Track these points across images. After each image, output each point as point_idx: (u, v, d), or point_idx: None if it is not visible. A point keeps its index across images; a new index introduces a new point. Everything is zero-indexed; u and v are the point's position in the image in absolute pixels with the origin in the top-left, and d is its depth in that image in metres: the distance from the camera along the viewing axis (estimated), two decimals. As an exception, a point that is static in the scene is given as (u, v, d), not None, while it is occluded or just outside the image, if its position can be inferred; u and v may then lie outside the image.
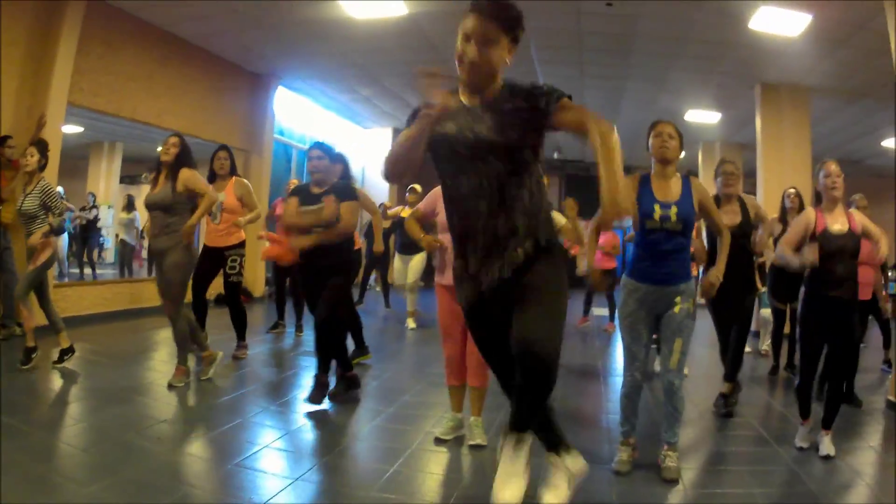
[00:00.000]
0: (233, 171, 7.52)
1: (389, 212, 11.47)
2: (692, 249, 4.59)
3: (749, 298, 6.13)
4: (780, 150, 11.78)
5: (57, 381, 6.15)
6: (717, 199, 5.82)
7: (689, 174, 4.62)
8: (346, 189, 5.91)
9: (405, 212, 10.57)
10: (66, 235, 12.03)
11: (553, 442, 3.29)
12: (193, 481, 4.01)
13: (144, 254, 12.96)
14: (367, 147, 18.17)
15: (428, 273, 9.03)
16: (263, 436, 4.89)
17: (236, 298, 7.39)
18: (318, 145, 5.98)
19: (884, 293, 7.98)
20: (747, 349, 9.00)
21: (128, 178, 14.90)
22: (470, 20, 2.83)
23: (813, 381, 5.09)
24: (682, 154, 4.55)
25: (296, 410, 5.58)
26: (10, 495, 3.42)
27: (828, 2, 7.89)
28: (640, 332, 4.39)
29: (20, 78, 8.20)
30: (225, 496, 3.79)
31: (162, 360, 7.13)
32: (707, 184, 4.97)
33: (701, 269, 5.72)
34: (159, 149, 6.16)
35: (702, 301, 5.18)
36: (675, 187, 4.41)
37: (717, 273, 4.65)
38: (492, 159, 2.83)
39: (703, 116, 14.34)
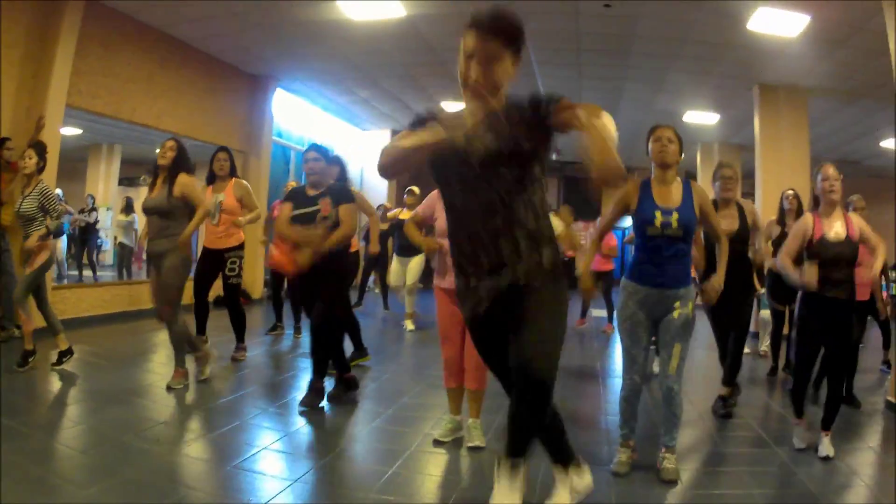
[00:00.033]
0: (232, 173, 7.53)
1: (389, 214, 11.48)
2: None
3: (747, 303, 6.13)
4: (778, 151, 11.78)
5: (56, 383, 6.15)
6: (715, 204, 5.82)
7: (688, 177, 4.61)
8: (342, 192, 5.89)
9: (403, 214, 10.59)
10: (64, 237, 12.03)
11: (560, 455, 3.30)
12: (192, 483, 4.01)
13: (144, 255, 12.95)
14: (365, 149, 18.16)
15: (426, 275, 9.03)
16: (262, 437, 4.89)
17: (235, 300, 7.39)
18: (315, 147, 5.97)
19: (883, 294, 7.99)
20: (746, 350, 9.03)
21: (126, 180, 14.91)
22: (470, 38, 2.70)
23: (808, 382, 5.10)
24: (682, 157, 4.54)
25: (294, 412, 5.57)
26: (9, 497, 3.42)
27: (826, 2, 7.90)
28: (640, 335, 4.38)
29: (19, 79, 8.19)
30: (224, 498, 3.79)
31: (161, 362, 7.13)
32: (705, 186, 4.97)
33: (698, 276, 5.69)
34: (157, 151, 6.16)
35: (698, 302, 5.18)
36: (676, 192, 4.39)
37: (719, 280, 4.63)
38: (502, 172, 2.76)
39: (701, 117, 14.35)
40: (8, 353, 6.70)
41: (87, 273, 13.02)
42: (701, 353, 8.68)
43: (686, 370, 4.47)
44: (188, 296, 7.36)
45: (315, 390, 5.73)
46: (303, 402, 5.64)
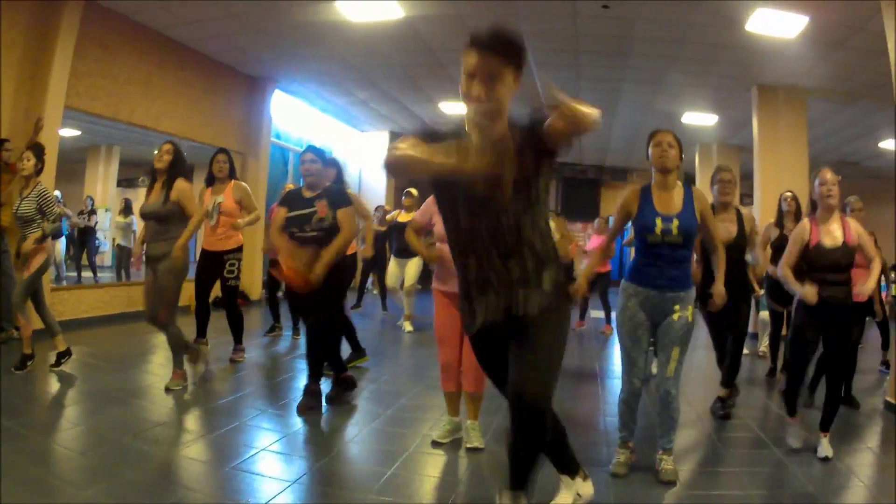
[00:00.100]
0: (231, 175, 7.53)
1: (387, 217, 11.49)
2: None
3: (745, 307, 6.12)
4: (777, 152, 11.78)
5: (54, 384, 6.15)
6: (713, 208, 5.81)
7: (688, 180, 4.61)
8: (339, 194, 5.86)
9: (402, 216, 10.59)
10: (63, 239, 12.02)
11: (564, 465, 3.33)
12: (191, 484, 4.00)
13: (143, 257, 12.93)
14: (363, 150, 18.16)
15: (425, 276, 9.03)
16: (261, 439, 4.89)
17: (233, 302, 7.41)
18: (312, 149, 5.96)
19: (883, 294, 7.98)
20: (745, 351, 9.03)
21: (125, 182, 14.90)
22: (471, 57, 2.64)
23: (802, 382, 5.10)
24: (683, 161, 4.53)
25: (293, 413, 5.56)
26: (8, 498, 3.42)
27: (825, 3, 7.90)
28: (640, 336, 4.37)
29: (17, 81, 8.18)
30: (223, 499, 3.79)
31: (159, 363, 7.12)
32: (704, 188, 4.97)
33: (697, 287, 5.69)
34: (154, 154, 6.17)
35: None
36: (677, 198, 4.38)
37: (719, 286, 4.61)
38: (506, 199, 2.74)
39: (699, 118, 14.35)
40: (7, 355, 6.70)
41: (86, 274, 13.01)
42: (700, 354, 8.69)
43: (685, 371, 4.48)
44: (186, 297, 7.39)
45: (311, 393, 5.72)
46: (300, 408, 5.63)
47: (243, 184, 7.61)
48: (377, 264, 12.02)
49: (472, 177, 2.57)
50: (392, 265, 10.68)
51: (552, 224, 4.57)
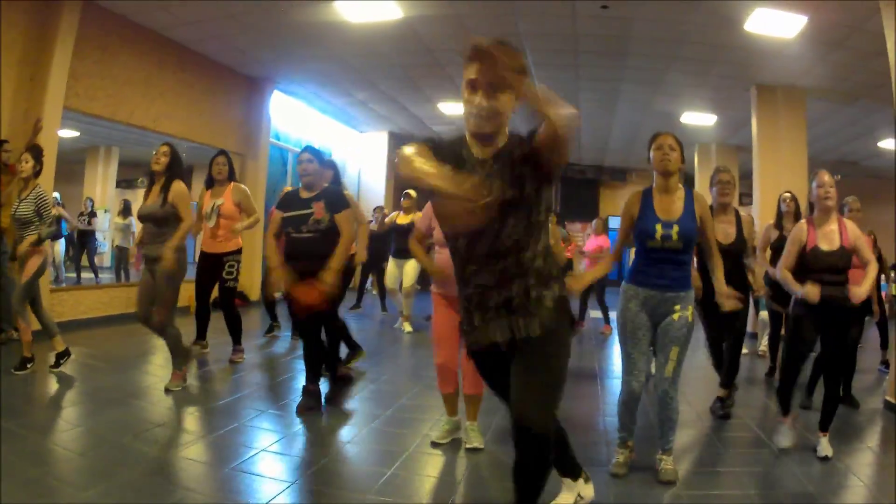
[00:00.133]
0: (231, 177, 7.54)
1: (386, 220, 11.49)
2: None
3: (743, 309, 6.12)
4: (776, 152, 11.78)
5: (54, 385, 6.15)
6: (711, 209, 5.80)
7: (687, 181, 4.59)
8: (337, 197, 5.84)
9: (401, 217, 10.61)
10: (62, 241, 12.03)
11: (566, 469, 3.33)
12: (190, 485, 4.00)
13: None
14: (363, 151, 18.16)
15: (424, 277, 9.03)
16: (260, 439, 4.89)
17: (230, 303, 7.42)
18: (309, 149, 5.95)
19: (882, 294, 7.99)
20: (745, 350, 9.03)
21: (124, 182, 14.89)
22: (473, 70, 2.65)
23: (796, 380, 5.09)
24: (684, 164, 4.51)
25: (292, 414, 5.56)
26: (7, 498, 3.42)
27: (823, 3, 7.90)
28: (640, 337, 4.36)
29: (17, 82, 8.18)
30: (222, 500, 3.79)
31: (159, 364, 7.12)
32: (702, 188, 4.96)
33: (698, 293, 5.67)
34: (153, 156, 6.18)
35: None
36: (678, 203, 4.36)
37: (721, 286, 4.57)
38: (508, 217, 2.72)
39: (699, 118, 14.36)
40: (7, 356, 6.70)
41: (85, 275, 13.01)
42: (700, 355, 8.64)
43: (684, 371, 4.47)
44: (185, 297, 7.39)
45: (310, 394, 5.73)
46: (299, 409, 5.63)
47: (242, 186, 7.62)
48: (376, 265, 12.02)
49: (465, 205, 2.51)
50: (391, 266, 10.69)
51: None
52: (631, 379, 4.37)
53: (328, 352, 6.07)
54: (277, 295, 9.32)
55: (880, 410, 6.50)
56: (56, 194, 9.88)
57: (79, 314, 9.45)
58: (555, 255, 2.95)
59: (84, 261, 13.28)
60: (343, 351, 7.09)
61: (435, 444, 4.86)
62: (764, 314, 8.79)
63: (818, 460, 4.76)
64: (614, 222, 16.14)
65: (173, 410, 5.61)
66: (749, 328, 10.12)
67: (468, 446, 4.78)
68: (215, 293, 7.48)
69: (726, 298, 4.43)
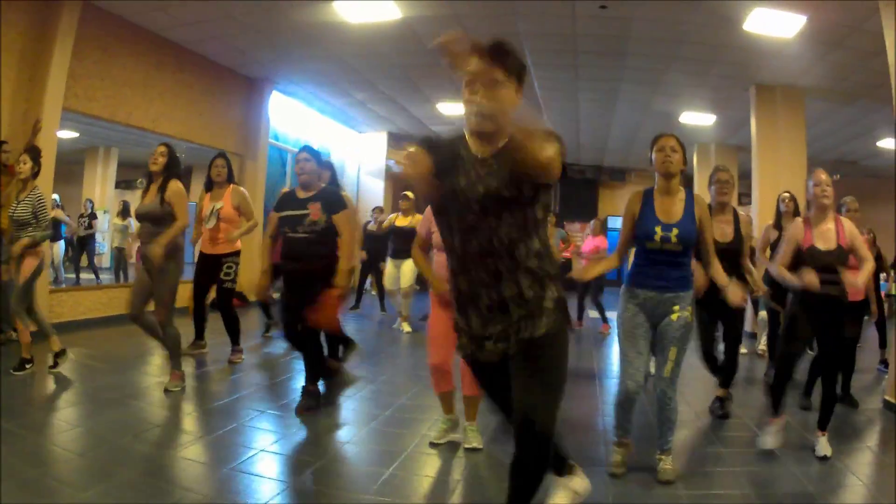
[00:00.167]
0: (230, 179, 7.55)
1: (384, 223, 11.49)
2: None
3: (740, 310, 6.11)
4: (775, 152, 11.77)
5: (53, 386, 6.15)
6: (710, 208, 5.80)
7: (686, 181, 4.59)
8: (334, 198, 5.81)
9: (400, 219, 10.62)
10: (62, 242, 12.02)
11: (558, 466, 3.31)
12: (189, 485, 4.00)
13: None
14: (362, 151, 18.15)
15: (422, 278, 9.03)
16: (259, 440, 4.89)
17: (228, 304, 7.43)
18: (307, 148, 5.94)
19: (882, 293, 7.99)
20: (743, 350, 9.04)
21: (123, 183, 14.88)
22: (472, 65, 2.64)
23: (789, 379, 5.07)
24: (686, 165, 4.51)
25: (291, 414, 5.57)
26: (7, 499, 3.42)
27: (822, 3, 7.90)
28: (638, 337, 4.36)
29: (16, 83, 8.18)
30: (221, 500, 3.79)
31: (158, 364, 7.12)
32: (701, 188, 4.97)
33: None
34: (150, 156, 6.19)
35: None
36: (678, 205, 4.36)
37: (724, 281, 4.55)
38: (505, 216, 2.69)
39: (698, 118, 14.34)
40: (6, 357, 6.69)
41: (85, 276, 13.01)
42: (699, 353, 8.67)
43: (684, 371, 4.47)
44: (185, 298, 7.39)
45: (309, 394, 5.73)
46: (298, 409, 5.64)
47: (242, 189, 7.62)
48: (375, 266, 12.03)
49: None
50: (389, 266, 10.71)
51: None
52: (627, 378, 4.36)
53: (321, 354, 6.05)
54: (275, 295, 9.33)
55: (879, 410, 6.51)
56: (55, 196, 9.89)
57: (78, 315, 9.45)
58: (553, 256, 2.91)
59: (84, 261, 13.28)
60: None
61: (433, 444, 4.87)
62: (763, 314, 8.80)
63: (817, 460, 4.76)
64: (613, 222, 16.16)
65: (172, 411, 5.62)
66: (748, 328, 10.14)
67: (467, 446, 4.78)
68: (213, 294, 7.49)
69: (732, 291, 4.40)
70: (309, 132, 15.90)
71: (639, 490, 4.18)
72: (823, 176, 4.90)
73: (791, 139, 11.76)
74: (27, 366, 6.30)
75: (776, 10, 8.27)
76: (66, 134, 10.71)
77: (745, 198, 16.71)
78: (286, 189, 8.72)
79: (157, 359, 7.41)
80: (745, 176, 13.23)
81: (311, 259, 5.57)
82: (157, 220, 5.98)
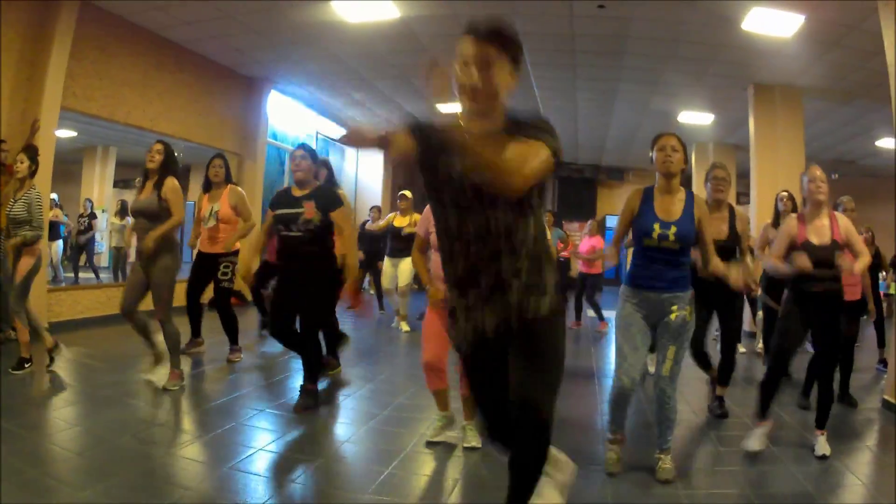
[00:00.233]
0: (228, 179, 7.55)
1: (382, 222, 11.48)
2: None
3: (738, 304, 6.12)
4: (773, 151, 11.77)
5: (51, 385, 6.14)
6: (706, 205, 5.80)
7: (686, 180, 4.60)
8: (330, 196, 5.81)
9: (398, 219, 10.61)
10: (60, 241, 12.02)
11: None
12: (188, 484, 4.00)
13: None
14: (360, 151, 18.13)
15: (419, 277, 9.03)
16: (257, 439, 4.89)
17: (226, 304, 7.43)
18: (303, 146, 5.93)
19: (881, 293, 8.00)
20: (743, 349, 9.06)
21: (122, 183, 14.86)
22: (467, 44, 2.60)
23: (780, 380, 5.06)
24: (687, 165, 4.51)
25: (289, 413, 5.57)
26: (5, 498, 3.41)
27: (821, 2, 7.90)
28: (634, 333, 4.36)
29: (14, 82, 8.18)
30: (220, 499, 3.80)
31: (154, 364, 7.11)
32: (697, 187, 4.97)
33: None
34: (147, 154, 6.19)
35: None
36: (677, 205, 4.38)
37: (722, 268, 4.53)
38: (500, 200, 2.63)
39: (696, 118, 14.33)
40: (5, 357, 6.69)
41: (84, 275, 13.00)
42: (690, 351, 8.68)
43: (682, 369, 4.47)
44: (182, 298, 7.37)
45: (308, 393, 5.73)
46: (296, 408, 5.64)
47: (239, 189, 7.62)
48: (373, 265, 12.02)
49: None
50: (387, 265, 10.69)
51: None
52: (622, 374, 4.35)
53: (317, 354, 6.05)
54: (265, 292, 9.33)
55: (878, 409, 6.50)
56: (54, 195, 9.87)
57: (76, 314, 9.45)
58: (548, 239, 2.88)
59: (82, 260, 13.27)
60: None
61: (430, 443, 4.87)
62: (762, 313, 8.80)
63: (816, 459, 4.76)
64: (611, 222, 16.15)
65: (171, 410, 5.63)
66: (747, 327, 10.16)
67: (466, 445, 4.78)
68: (211, 294, 7.50)
69: (733, 276, 4.39)
70: (307, 131, 15.87)
71: (638, 489, 4.19)
72: (818, 172, 4.91)
73: (789, 139, 11.76)
74: (26, 365, 6.30)
75: (774, 10, 8.26)
76: (65, 133, 10.69)
77: (743, 197, 16.74)
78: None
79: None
80: (744, 175, 13.25)
81: (306, 258, 5.58)
82: (152, 216, 5.98)
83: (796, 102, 11.77)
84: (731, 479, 4.43)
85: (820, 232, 4.87)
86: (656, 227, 4.29)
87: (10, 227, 6.40)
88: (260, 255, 6.78)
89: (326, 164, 6.68)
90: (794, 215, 5.11)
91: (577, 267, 11.94)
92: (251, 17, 9.57)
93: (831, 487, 4.37)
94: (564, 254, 11.92)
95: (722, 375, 6.01)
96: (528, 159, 2.45)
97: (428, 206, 4.56)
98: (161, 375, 6.25)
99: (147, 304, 6.08)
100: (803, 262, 4.71)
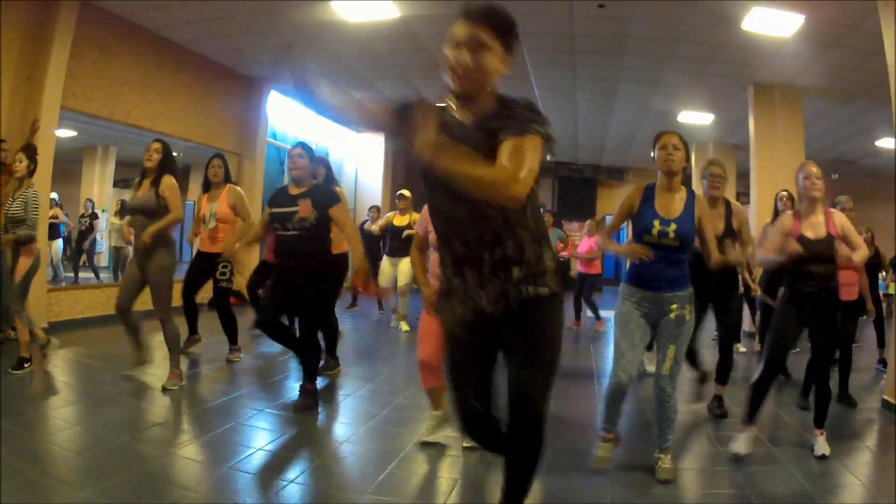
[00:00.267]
0: (227, 179, 7.56)
1: (381, 222, 11.47)
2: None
3: (734, 302, 6.11)
4: (773, 151, 11.77)
5: (51, 385, 6.15)
6: None
7: (689, 181, 4.60)
8: (326, 194, 5.81)
9: (397, 218, 10.60)
10: (60, 241, 12.02)
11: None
12: (187, 484, 4.00)
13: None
14: (360, 151, 18.13)
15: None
16: (257, 439, 4.88)
17: (225, 304, 7.42)
18: (301, 144, 5.94)
19: (880, 293, 8.00)
20: (743, 349, 9.06)
21: (121, 182, 14.87)
22: (459, 26, 2.59)
23: (772, 381, 5.03)
24: (689, 163, 4.52)
25: (289, 413, 5.57)
26: (5, 498, 3.41)
27: (820, 2, 7.90)
28: (632, 330, 4.37)
29: (14, 82, 8.18)
30: (219, 499, 3.79)
31: (156, 363, 7.09)
32: (694, 184, 4.97)
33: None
34: (145, 153, 6.20)
35: None
36: (678, 203, 4.39)
37: (718, 256, 4.53)
38: None
39: (696, 118, 14.33)
40: (5, 356, 6.69)
41: (83, 275, 13.00)
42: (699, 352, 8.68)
43: (682, 370, 4.47)
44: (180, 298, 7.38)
45: (307, 392, 5.73)
46: (296, 408, 5.63)
47: (238, 188, 7.63)
48: (372, 265, 11.99)
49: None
50: (385, 265, 10.66)
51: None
52: (619, 370, 4.35)
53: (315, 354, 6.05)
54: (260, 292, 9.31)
55: (878, 409, 6.50)
56: (54, 195, 9.87)
57: (76, 314, 9.45)
58: (543, 219, 2.85)
59: (82, 260, 13.28)
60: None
61: (425, 444, 4.85)
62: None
63: (815, 459, 4.76)
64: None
65: (170, 410, 5.62)
66: (746, 327, 10.16)
67: (465, 445, 4.77)
68: (210, 293, 7.50)
69: (731, 254, 4.39)
70: (307, 131, 15.84)
71: (638, 489, 4.18)
72: (813, 168, 4.91)
73: (789, 138, 11.76)
74: (26, 365, 6.30)
75: (774, 10, 8.26)
76: (65, 133, 10.69)
77: (743, 197, 16.72)
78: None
79: (154, 357, 7.39)
80: (744, 175, 13.26)
81: (302, 257, 5.58)
82: (150, 213, 6.00)
83: (796, 102, 11.77)
84: (731, 478, 4.43)
85: (815, 227, 4.88)
86: (656, 223, 4.29)
87: (9, 225, 6.40)
88: (253, 244, 6.76)
89: (325, 163, 6.68)
90: (789, 212, 5.11)
91: (577, 267, 11.94)
92: (251, 17, 9.57)
93: (831, 487, 4.37)
94: (564, 254, 11.93)
95: (720, 374, 6.01)
96: (521, 162, 2.38)
97: (426, 206, 4.54)
98: (139, 369, 6.37)
99: (143, 304, 6.09)
100: (795, 247, 4.71)
